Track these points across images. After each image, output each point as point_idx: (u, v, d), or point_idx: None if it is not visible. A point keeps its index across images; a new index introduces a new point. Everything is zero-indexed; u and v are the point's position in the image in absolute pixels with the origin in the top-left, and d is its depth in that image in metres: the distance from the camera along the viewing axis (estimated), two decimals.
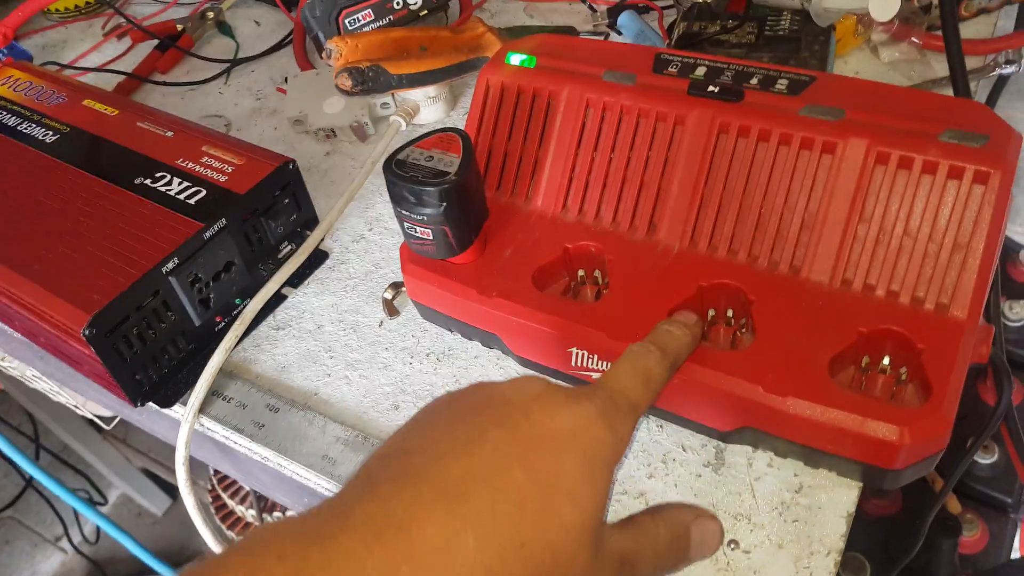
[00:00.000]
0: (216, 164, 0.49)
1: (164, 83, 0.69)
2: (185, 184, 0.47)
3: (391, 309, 0.48)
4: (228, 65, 0.69)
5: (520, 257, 0.43)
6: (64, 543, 1.58)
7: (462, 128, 0.43)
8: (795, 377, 0.34)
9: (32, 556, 1.52)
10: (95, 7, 0.79)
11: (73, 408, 0.85)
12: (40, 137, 0.53)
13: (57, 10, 0.78)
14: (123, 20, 0.76)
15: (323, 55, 0.63)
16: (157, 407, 0.46)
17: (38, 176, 0.50)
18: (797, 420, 0.34)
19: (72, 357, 0.45)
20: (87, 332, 0.40)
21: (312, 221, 0.52)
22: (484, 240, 0.44)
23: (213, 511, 1.14)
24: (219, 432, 0.45)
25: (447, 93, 0.60)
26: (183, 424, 0.44)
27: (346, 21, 0.62)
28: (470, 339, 0.46)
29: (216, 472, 1.15)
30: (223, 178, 0.47)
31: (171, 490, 1.64)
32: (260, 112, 0.65)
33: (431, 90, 0.59)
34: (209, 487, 1.16)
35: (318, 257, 0.52)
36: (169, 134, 0.51)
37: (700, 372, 0.36)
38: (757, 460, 0.38)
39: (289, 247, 0.51)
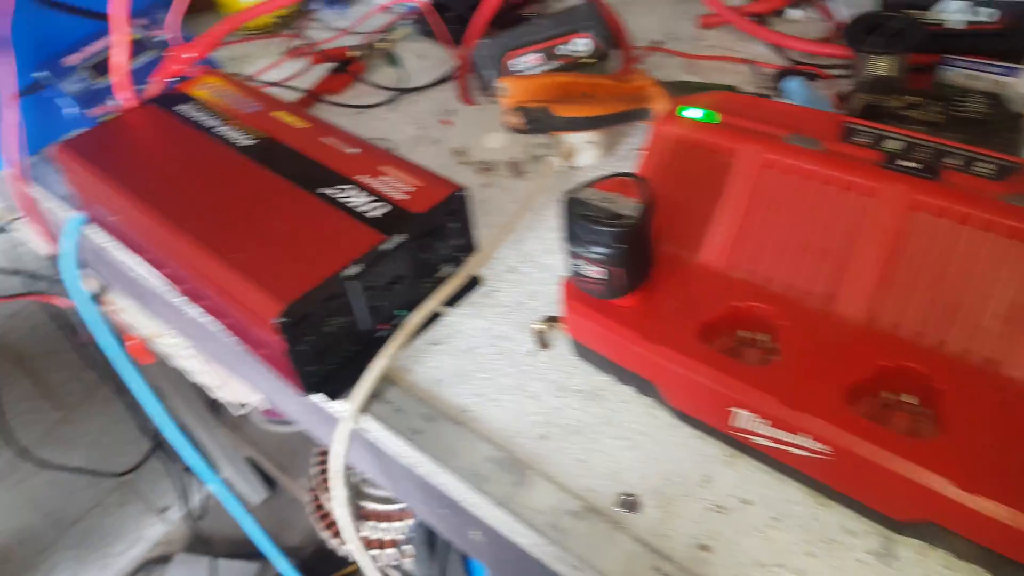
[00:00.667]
0: (395, 183, 0.52)
1: (335, 103, 0.74)
2: (366, 198, 0.51)
3: (543, 341, 0.51)
4: (395, 93, 0.74)
5: (685, 308, 0.44)
6: (170, 514, 1.66)
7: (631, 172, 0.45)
8: (991, 477, 0.33)
9: (140, 522, 1.61)
10: (277, 27, 0.86)
11: (208, 390, 0.91)
12: (235, 140, 0.58)
13: (246, 27, 0.85)
14: (303, 42, 0.82)
15: (491, 92, 0.67)
16: (326, 398, 0.49)
17: (236, 174, 0.55)
18: (991, 523, 0.33)
19: (256, 341, 0.49)
20: (281, 320, 0.44)
21: (471, 247, 0.55)
22: (649, 287, 0.45)
23: (313, 508, 1.18)
24: (375, 432, 0.48)
25: (605, 139, 0.63)
26: (345, 419, 0.47)
27: (512, 63, 0.65)
28: (624, 383, 0.47)
29: (321, 471, 1.19)
30: (402, 197, 0.51)
31: (270, 482, 1.71)
32: (422, 140, 0.69)
33: (590, 135, 0.61)
34: (310, 486, 1.20)
35: (473, 282, 0.55)
36: (352, 151, 0.55)
37: (884, 456, 0.35)
38: (931, 558, 0.37)
39: (449, 268, 0.54)
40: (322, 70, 0.78)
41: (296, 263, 0.47)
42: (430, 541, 0.93)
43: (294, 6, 0.85)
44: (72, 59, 0.70)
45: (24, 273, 1.17)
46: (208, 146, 0.58)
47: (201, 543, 1.66)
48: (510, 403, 0.48)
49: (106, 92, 0.71)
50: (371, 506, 1.15)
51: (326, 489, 1.18)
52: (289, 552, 1.62)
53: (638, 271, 0.44)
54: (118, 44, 0.62)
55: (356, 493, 1.17)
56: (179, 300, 0.60)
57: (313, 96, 0.74)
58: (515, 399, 0.48)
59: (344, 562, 1.28)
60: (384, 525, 1.14)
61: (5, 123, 0.66)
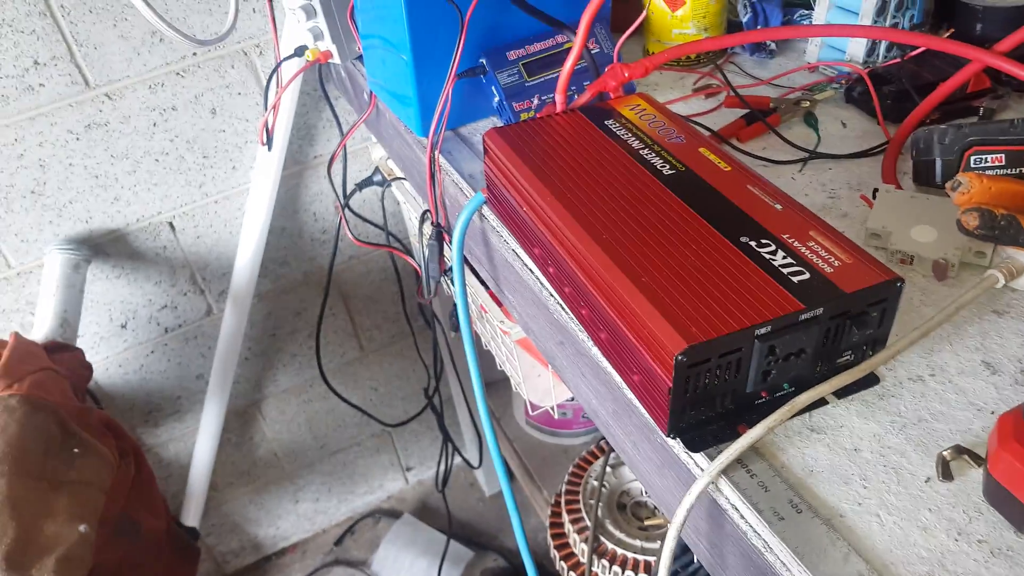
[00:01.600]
0: (823, 253, 0.49)
1: (741, 151, 0.72)
2: (790, 260, 0.48)
3: (946, 471, 0.44)
4: (807, 155, 0.70)
5: None
6: (411, 475, 1.78)
7: None
8: None
9: (386, 473, 1.75)
10: (694, 64, 0.87)
11: (513, 383, 0.95)
12: (658, 167, 0.58)
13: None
14: (715, 82, 0.82)
15: (946, 185, 0.60)
16: (683, 447, 0.47)
17: (654, 200, 0.55)
18: None
19: (636, 367, 0.49)
20: (680, 357, 0.43)
21: (880, 342, 0.50)
22: None
23: (548, 525, 1.18)
24: (730, 500, 0.45)
25: None
26: (703, 476, 0.45)
27: (972, 158, 0.59)
28: None
29: (569, 493, 1.20)
30: (829, 269, 0.47)
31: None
32: (830, 211, 0.64)
33: None
34: (552, 502, 1.21)
35: (870, 379, 0.50)
36: (778, 207, 0.53)
37: None
38: None
39: (849, 357, 0.50)
40: (732, 114, 0.77)
41: (705, 307, 0.45)
42: None
43: (722, 48, 0.85)
44: (513, 54, 0.76)
45: (380, 226, 1.31)
46: (629, 166, 0.58)
47: (427, 512, 1.75)
48: (894, 526, 0.42)
49: (533, 90, 0.76)
50: (610, 546, 1.13)
51: (572, 511, 1.18)
52: (503, 553, 1.66)
53: None
54: (572, 50, 0.65)
55: (599, 527, 1.15)
56: (549, 299, 0.62)
57: (719, 138, 0.73)
58: (901, 524, 0.42)
59: None
60: (616, 570, 1.11)
61: (443, 97, 0.73)
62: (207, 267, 1.22)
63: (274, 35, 0.93)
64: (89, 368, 1.05)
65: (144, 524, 0.91)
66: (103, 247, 1.14)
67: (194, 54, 1.03)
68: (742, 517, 0.44)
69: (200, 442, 1.36)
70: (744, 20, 0.86)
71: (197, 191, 1.15)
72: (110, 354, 1.24)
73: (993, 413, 0.47)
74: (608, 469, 1.22)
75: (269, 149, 1.04)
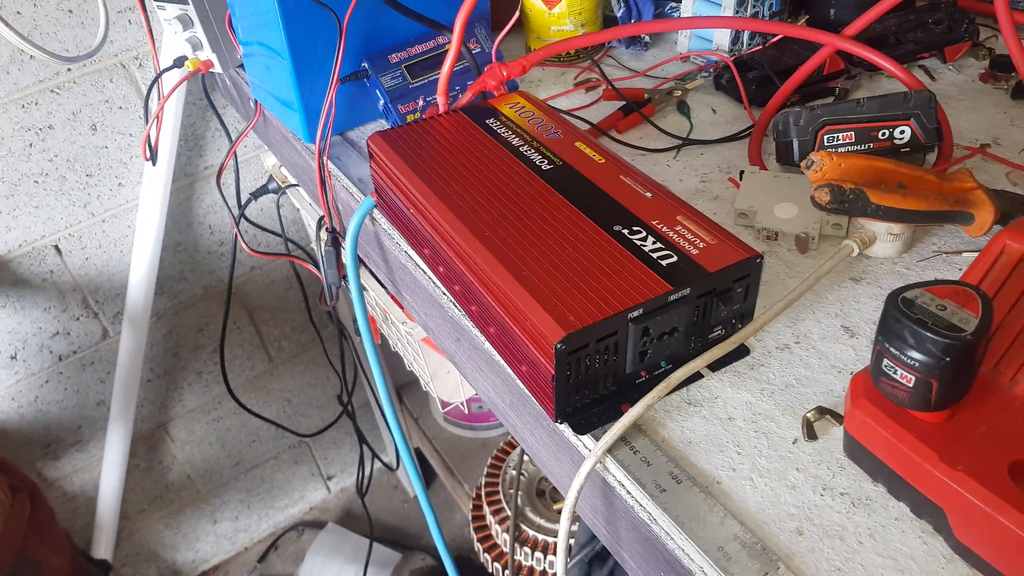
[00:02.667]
0: (689, 236, 0.51)
1: (619, 142, 0.75)
2: (659, 245, 0.51)
3: (810, 432, 0.48)
4: (681, 142, 0.74)
5: (996, 440, 0.40)
6: (333, 483, 1.76)
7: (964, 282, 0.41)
8: None
9: (306, 484, 1.72)
10: (573, 59, 0.89)
11: (422, 380, 0.95)
12: (537, 162, 0.60)
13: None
14: (594, 76, 0.85)
15: (792, 161, 0.64)
16: (571, 430, 0.49)
17: (533, 195, 0.56)
18: None
19: (521, 358, 0.50)
20: (559, 346, 0.45)
21: (748, 315, 0.53)
22: (957, 407, 0.41)
23: (470, 519, 1.20)
24: (616, 476, 0.47)
25: (908, 234, 0.59)
26: (589, 457, 0.47)
27: (825, 137, 0.63)
28: (897, 497, 0.44)
29: (488, 485, 1.21)
30: (695, 251, 0.50)
31: (429, 477, 1.76)
32: (702, 194, 0.68)
33: (897, 227, 0.57)
34: (474, 496, 1.22)
35: (740, 351, 0.53)
36: (648, 194, 0.55)
37: None
38: None
39: (720, 331, 0.53)
40: (610, 106, 0.79)
41: (582, 295, 0.47)
42: None
43: (597, 43, 0.87)
44: (395, 56, 0.77)
45: (278, 234, 1.29)
46: (510, 163, 0.60)
47: (352, 519, 1.74)
48: (766, 487, 0.45)
49: (417, 92, 0.77)
50: (531, 533, 1.15)
51: (491, 504, 1.19)
52: (430, 551, 1.66)
53: (955, 389, 0.40)
54: (450, 52, 0.66)
55: (519, 515, 1.17)
56: (443, 298, 0.63)
57: (599, 130, 0.76)
58: (772, 484, 0.45)
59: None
60: (539, 556, 1.14)
61: (326, 102, 0.72)
62: (99, 289, 1.18)
63: (152, 47, 0.91)
64: None
65: (44, 563, 0.88)
66: None
67: (68, 70, 0.99)
68: (628, 492, 0.47)
69: (106, 471, 1.31)
70: (619, 15, 0.89)
71: (82, 211, 1.10)
72: (0, 388, 1.18)
73: (852, 374, 0.51)
74: (525, 458, 1.24)
75: (154, 163, 1.01)
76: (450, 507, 1.72)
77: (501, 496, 1.21)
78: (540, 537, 1.15)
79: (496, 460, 1.27)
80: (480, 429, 1.50)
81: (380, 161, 0.65)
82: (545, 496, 1.22)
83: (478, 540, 1.21)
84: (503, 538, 1.17)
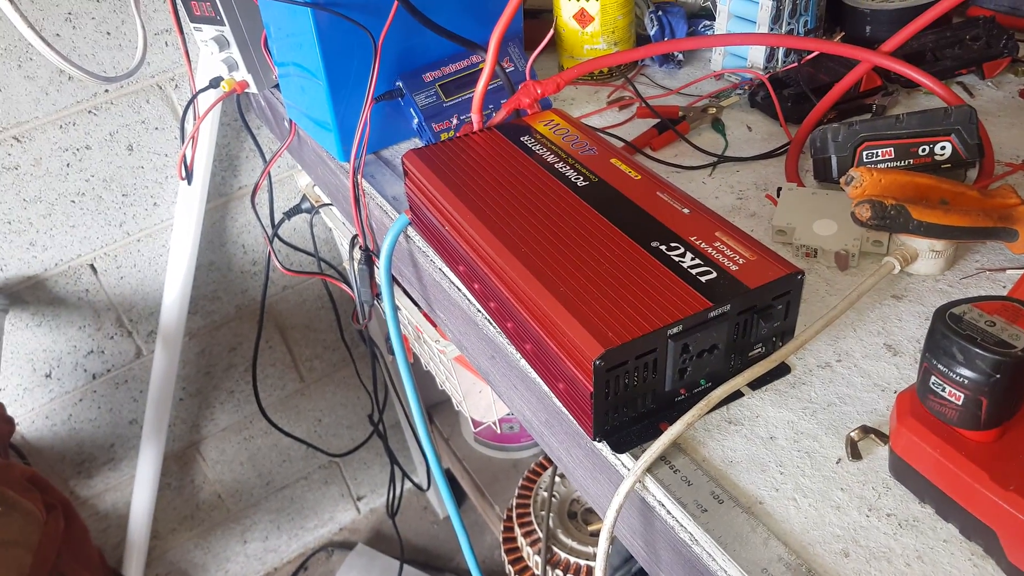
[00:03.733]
0: (728, 252, 0.51)
1: (654, 159, 0.75)
2: (698, 261, 0.50)
3: (855, 451, 0.47)
4: (716, 159, 0.73)
5: None
6: (363, 504, 1.76)
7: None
8: None
9: (336, 504, 1.72)
10: (608, 78, 0.89)
11: (455, 401, 0.95)
12: (572, 179, 0.60)
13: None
14: (627, 94, 0.85)
15: (829, 178, 0.64)
16: (609, 448, 0.49)
17: (570, 211, 0.56)
18: None
19: (558, 375, 0.50)
20: (598, 362, 0.44)
21: (788, 333, 0.52)
22: (1009, 426, 0.40)
23: (501, 541, 1.19)
24: (656, 497, 0.47)
25: (951, 251, 0.57)
26: (628, 476, 0.46)
27: (864, 153, 0.62)
28: (945, 519, 0.42)
29: (520, 506, 1.20)
30: (734, 267, 0.49)
31: (460, 498, 1.75)
32: (738, 211, 0.67)
33: (937, 244, 0.56)
34: (504, 517, 1.21)
35: (781, 369, 0.52)
36: (686, 211, 0.55)
37: None
38: None
39: (760, 349, 0.52)
40: (644, 124, 0.79)
41: (620, 311, 0.47)
42: None
43: (630, 61, 0.88)
44: (429, 75, 0.77)
45: (311, 253, 1.30)
46: (545, 180, 0.60)
47: (382, 540, 1.73)
48: (810, 508, 0.44)
49: (451, 111, 0.78)
50: (563, 555, 1.13)
51: (523, 524, 1.18)
52: (460, 573, 1.65)
53: (1005, 407, 0.39)
54: (484, 70, 0.67)
55: (550, 537, 1.16)
56: (477, 315, 0.63)
57: (633, 148, 0.76)
58: (815, 505, 0.44)
59: None
60: None
61: (361, 121, 0.73)
62: (133, 308, 1.20)
63: (188, 68, 0.92)
64: (11, 423, 1.01)
65: None
66: (21, 295, 1.10)
67: (106, 91, 1.02)
68: (668, 512, 0.46)
69: (138, 490, 1.32)
70: (651, 33, 0.89)
71: (118, 230, 1.12)
72: (35, 406, 1.20)
73: (896, 392, 0.50)
74: (557, 479, 1.23)
75: (189, 183, 1.03)
76: (480, 529, 1.71)
77: (532, 518, 1.20)
78: (572, 560, 1.13)
79: (527, 481, 1.26)
80: (511, 450, 1.49)
81: (415, 178, 0.65)
82: (577, 518, 1.21)
83: (509, 562, 1.20)
84: (535, 560, 1.16)
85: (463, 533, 0.78)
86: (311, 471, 1.63)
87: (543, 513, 1.18)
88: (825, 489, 0.45)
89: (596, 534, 1.18)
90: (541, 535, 1.15)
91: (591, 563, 1.13)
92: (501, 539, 1.23)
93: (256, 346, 1.29)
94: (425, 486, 1.70)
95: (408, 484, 1.75)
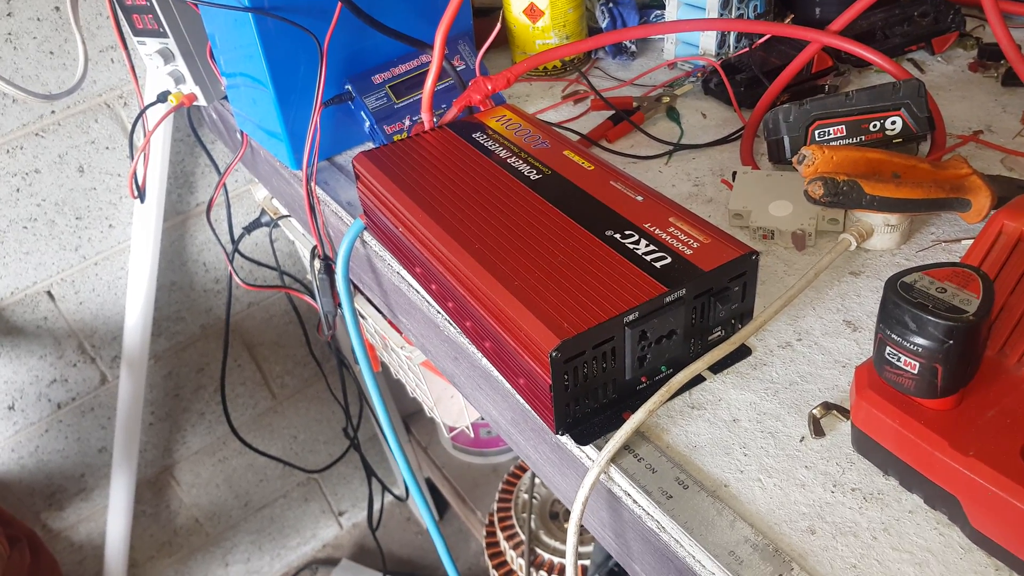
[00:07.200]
0: (682, 236, 0.50)
1: (610, 151, 0.74)
2: (652, 248, 0.50)
3: (817, 428, 0.46)
4: (672, 148, 0.73)
5: (1006, 423, 0.39)
6: (345, 519, 1.73)
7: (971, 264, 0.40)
8: None
9: (317, 520, 1.69)
10: (560, 71, 0.89)
11: (425, 405, 0.94)
12: (525, 173, 0.59)
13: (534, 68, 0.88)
14: (582, 88, 0.84)
15: (784, 159, 0.64)
16: (573, 441, 0.48)
17: (524, 206, 0.55)
18: None
19: (517, 371, 0.49)
20: (554, 354, 0.43)
21: (747, 315, 0.52)
22: (964, 392, 0.40)
23: (484, 547, 1.17)
24: (621, 485, 0.46)
25: (906, 225, 0.57)
26: (593, 467, 0.45)
27: (816, 132, 0.62)
28: (909, 489, 0.42)
29: (501, 510, 1.19)
30: (688, 251, 0.49)
31: (440, 508, 1.74)
32: (695, 198, 0.67)
33: (894, 218, 0.56)
34: (486, 522, 1.20)
35: (742, 351, 0.52)
36: (639, 198, 0.55)
37: None
38: None
39: (719, 332, 0.51)
40: (599, 117, 0.79)
41: (575, 301, 0.46)
42: None
43: (581, 52, 0.87)
44: (379, 77, 0.76)
45: (273, 267, 1.28)
46: (498, 175, 0.59)
47: (366, 554, 1.71)
48: (775, 488, 0.44)
49: (403, 112, 0.77)
50: (546, 556, 1.12)
51: (505, 528, 1.17)
52: None
53: (960, 373, 0.39)
54: (431, 68, 0.66)
55: (533, 539, 1.15)
56: (437, 316, 0.62)
57: (589, 141, 0.75)
58: (780, 484, 0.44)
59: None
60: None
61: (311, 127, 0.72)
62: (95, 333, 1.17)
63: (135, 83, 0.90)
64: None
65: None
66: None
67: (52, 112, 0.99)
68: (635, 502, 0.45)
69: (112, 519, 1.29)
70: (603, 26, 0.89)
71: (74, 255, 1.10)
72: (0, 440, 1.17)
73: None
74: (536, 481, 1.22)
75: (142, 201, 1.00)
76: (464, 536, 1.69)
77: (514, 521, 1.18)
78: (556, 560, 1.12)
79: (507, 485, 1.24)
80: (490, 455, 1.48)
81: (366, 181, 0.64)
82: (559, 518, 1.20)
83: (493, 567, 1.19)
84: (518, 563, 1.15)
85: (442, 544, 0.77)
86: (290, 489, 1.60)
87: (524, 515, 1.17)
88: (789, 468, 0.45)
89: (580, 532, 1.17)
90: (523, 537, 1.14)
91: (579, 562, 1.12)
92: (484, 545, 1.22)
93: (223, 365, 1.26)
94: (405, 497, 1.69)
95: (390, 496, 1.73)
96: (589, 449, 0.48)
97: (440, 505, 1.73)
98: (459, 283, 0.53)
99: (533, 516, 1.17)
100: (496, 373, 0.55)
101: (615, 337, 0.46)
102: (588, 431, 0.48)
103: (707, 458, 0.46)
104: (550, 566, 1.12)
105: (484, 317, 0.51)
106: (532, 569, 1.10)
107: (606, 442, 0.46)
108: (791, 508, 0.42)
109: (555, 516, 1.20)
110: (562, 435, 0.48)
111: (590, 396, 0.48)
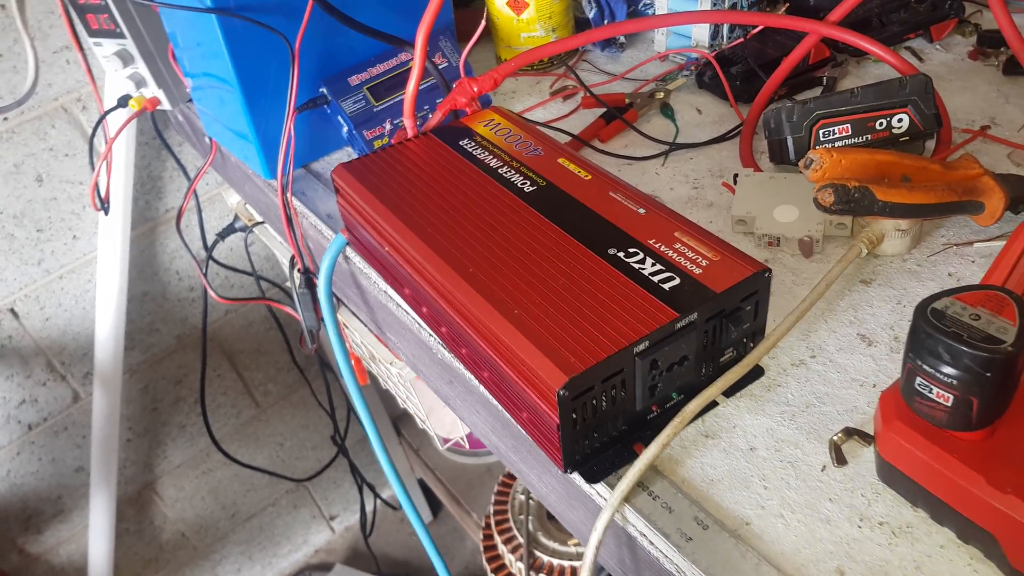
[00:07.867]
0: (689, 254, 0.47)
1: (603, 152, 0.71)
2: (659, 267, 0.47)
3: (839, 456, 0.44)
4: (668, 147, 0.70)
5: None
6: (336, 523, 1.70)
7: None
8: None
9: (308, 527, 1.66)
10: (548, 67, 0.85)
11: (418, 418, 0.90)
12: (519, 184, 0.56)
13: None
14: (571, 83, 0.81)
15: (799, 163, 0.61)
16: (582, 480, 0.45)
17: (519, 222, 0.52)
18: None
19: (521, 404, 0.46)
20: (562, 392, 0.40)
21: (759, 333, 0.49)
22: (999, 424, 0.38)
23: (482, 549, 1.15)
24: (637, 527, 0.43)
25: (917, 229, 0.55)
26: (606, 508, 0.43)
27: (820, 131, 0.59)
28: (940, 523, 0.40)
29: (497, 512, 1.16)
30: (697, 270, 0.46)
31: (434, 508, 1.71)
32: (696, 202, 0.64)
33: (903, 222, 0.54)
34: (483, 525, 1.18)
35: (755, 372, 0.49)
36: (641, 211, 0.51)
37: None
38: None
39: (731, 353, 0.49)
40: (590, 115, 0.75)
41: (580, 331, 0.43)
42: None
43: (571, 48, 0.83)
44: (356, 78, 0.72)
45: (250, 273, 1.23)
46: (489, 187, 0.56)
47: (360, 557, 1.68)
48: (799, 524, 0.41)
49: (383, 115, 0.73)
50: (546, 559, 1.10)
51: (503, 531, 1.15)
52: None
53: (996, 405, 0.36)
54: (413, 69, 0.62)
55: (531, 541, 1.12)
56: (430, 340, 0.59)
57: (580, 141, 0.72)
58: (805, 520, 0.41)
59: None
60: None
61: (285, 134, 0.68)
62: (64, 350, 1.12)
63: (93, 87, 0.85)
64: None
65: None
66: None
67: (4, 119, 0.94)
68: (651, 543, 0.42)
69: (93, 539, 1.24)
70: (590, 16, 0.85)
71: (36, 269, 1.04)
72: None
73: (875, 387, 0.47)
74: None
75: (106, 214, 0.95)
76: (460, 535, 1.67)
77: (511, 523, 1.16)
78: (556, 562, 1.10)
79: (503, 487, 1.22)
80: (483, 455, 1.45)
81: (347, 196, 0.60)
82: (558, 519, 1.18)
83: (492, 571, 1.16)
84: (517, 567, 1.13)
85: (434, 551, 0.74)
86: (278, 496, 1.57)
87: (522, 517, 1.15)
88: (813, 501, 0.42)
89: None
90: (521, 540, 1.12)
91: (575, 563, 1.10)
92: (482, 547, 1.19)
93: (202, 376, 1.22)
94: (397, 507, 1.66)
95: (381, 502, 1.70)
96: (600, 487, 0.45)
97: (434, 505, 1.70)
98: (453, 310, 0.50)
99: (531, 517, 1.15)
100: (495, 401, 0.52)
101: (625, 369, 0.43)
102: (598, 468, 0.45)
103: (726, 493, 0.43)
104: (549, 568, 1.10)
105: (482, 347, 0.47)
106: (532, 572, 1.08)
107: (618, 479, 0.43)
108: (817, 547, 0.40)
109: (553, 517, 1.18)
110: (571, 473, 0.45)
111: (599, 430, 0.45)
